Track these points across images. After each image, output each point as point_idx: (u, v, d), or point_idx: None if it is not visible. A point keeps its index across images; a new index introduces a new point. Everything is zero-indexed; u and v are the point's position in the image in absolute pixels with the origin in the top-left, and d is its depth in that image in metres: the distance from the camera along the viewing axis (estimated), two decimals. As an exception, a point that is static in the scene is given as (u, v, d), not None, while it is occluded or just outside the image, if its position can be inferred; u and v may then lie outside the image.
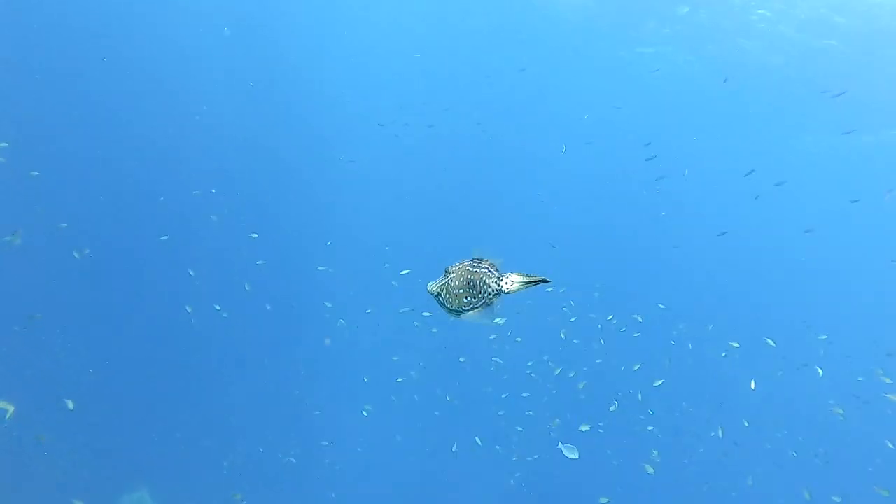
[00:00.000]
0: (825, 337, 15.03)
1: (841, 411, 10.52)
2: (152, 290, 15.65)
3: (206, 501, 12.94)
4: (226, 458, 14.57)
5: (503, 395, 11.78)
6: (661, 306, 17.66)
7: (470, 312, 2.30)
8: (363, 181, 17.78)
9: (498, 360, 10.55)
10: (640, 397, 11.98)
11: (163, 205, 15.71)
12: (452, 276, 2.30)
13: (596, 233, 20.76)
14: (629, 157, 17.99)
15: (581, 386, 9.40)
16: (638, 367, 10.45)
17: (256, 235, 13.17)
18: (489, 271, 2.28)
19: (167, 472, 12.81)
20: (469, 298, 2.27)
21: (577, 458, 8.17)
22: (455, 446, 12.71)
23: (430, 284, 2.35)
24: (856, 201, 13.71)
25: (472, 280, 2.26)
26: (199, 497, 12.92)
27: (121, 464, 12.54)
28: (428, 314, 10.53)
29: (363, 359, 15.12)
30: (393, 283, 12.65)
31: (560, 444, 8.29)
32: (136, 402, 13.98)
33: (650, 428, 11.70)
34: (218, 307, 13.46)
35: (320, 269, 10.95)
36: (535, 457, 12.73)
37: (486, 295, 2.26)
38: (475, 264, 2.31)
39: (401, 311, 10.88)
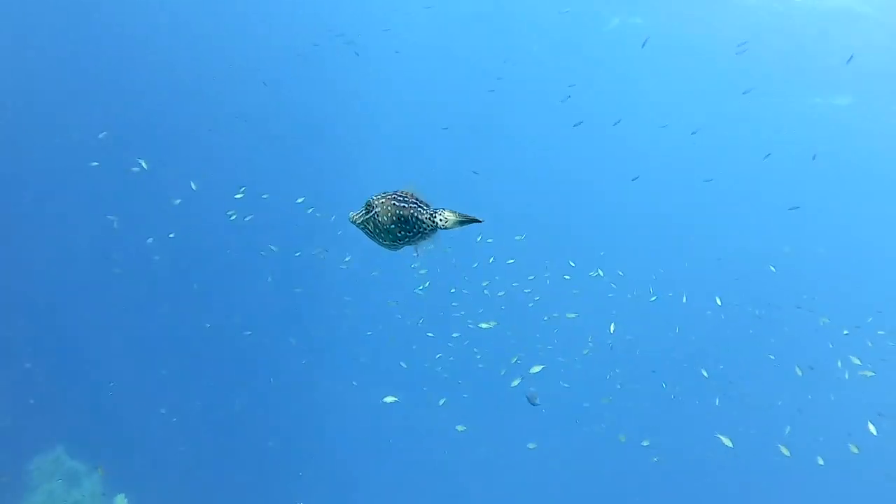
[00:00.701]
0: (773, 267, 15.58)
1: (800, 373, 10.66)
2: (67, 239, 14.65)
3: (132, 457, 12.49)
4: (156, 411, 14.04)
5: (429, 334, 11.67)
6: (602, 253, 17.85)
7: (407, 245, 2.27)
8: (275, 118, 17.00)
9: (420, 291, 10.39)
10: (588, 349, 12.01)
11: (79, 143, 14.45)
12: (378, 210, 2.22)
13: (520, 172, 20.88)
14: (548, 101, 17.97)
15: (515, 359, 9.40)
16: (574, 315, 10.39)
17: (196, 187, 12.23)
18: (418, 206, 2.21)
19: (86, 429, 12.21)
20: (403, 233, 2.23)
21: (538, 404, 8.62)
22: (391, 397, 12.67)
23: (351, 214, 2.30)
24: (768, 156, 14.15)
25: (402, 215, 2.20)
26: (123, 453, 12.44)
27: (31, 424, 11.86)
28: (349, 258, 10.15)
29: (294, 303, 14.74)
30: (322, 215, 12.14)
31: (526, 395, 8.66)
32: (48, 357, 13.20)
33: (578, 366, 11.93)
34: (150, 240, 12.67)
35: (229, 213, 10.36)
36: (465, 396, 12.89)
37: (421, 230, 2.22)
38: (400, 198, 2.23)
39: (315, 251, 10.47)
